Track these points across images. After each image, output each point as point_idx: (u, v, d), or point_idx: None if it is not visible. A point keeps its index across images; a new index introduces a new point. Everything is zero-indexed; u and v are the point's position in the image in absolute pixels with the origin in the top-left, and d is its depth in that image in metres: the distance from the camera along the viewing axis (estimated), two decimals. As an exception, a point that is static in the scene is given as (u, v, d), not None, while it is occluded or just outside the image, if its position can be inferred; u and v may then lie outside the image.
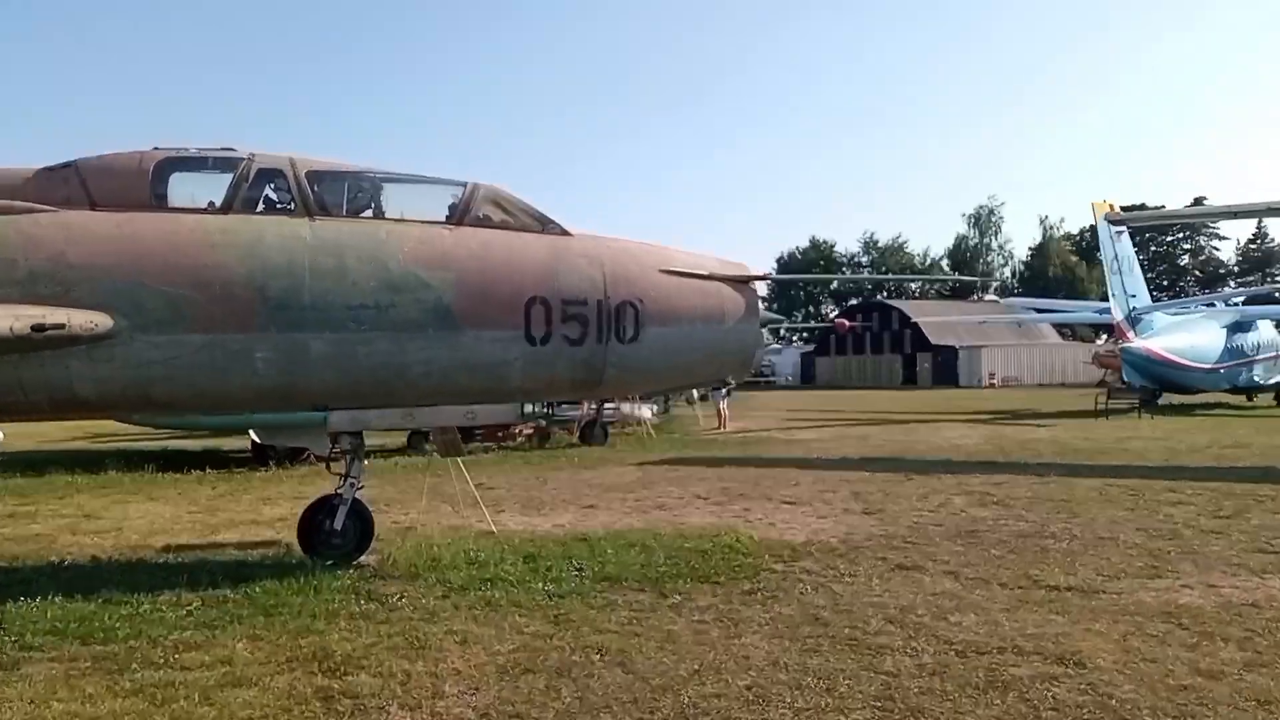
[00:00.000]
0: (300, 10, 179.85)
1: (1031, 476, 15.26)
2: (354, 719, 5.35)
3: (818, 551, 9.64)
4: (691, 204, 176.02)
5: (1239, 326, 37.92)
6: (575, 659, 6.32)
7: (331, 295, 8.42)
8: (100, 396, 8.39)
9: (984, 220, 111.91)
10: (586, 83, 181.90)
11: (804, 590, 8.05)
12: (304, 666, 6.26)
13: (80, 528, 12.04)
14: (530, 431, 24.69)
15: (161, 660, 6.42)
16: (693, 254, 9.78)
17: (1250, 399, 39.41)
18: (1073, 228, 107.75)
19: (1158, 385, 35.76)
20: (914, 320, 78.38)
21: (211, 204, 8.75)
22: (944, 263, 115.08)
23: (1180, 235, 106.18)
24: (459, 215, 9.07)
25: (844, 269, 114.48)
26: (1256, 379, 38.80)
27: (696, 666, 6.10)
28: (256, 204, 8.90)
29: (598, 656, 6.35)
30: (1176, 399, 37.93)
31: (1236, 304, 45.06)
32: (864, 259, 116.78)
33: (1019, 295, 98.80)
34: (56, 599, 7.88)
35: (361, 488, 9.58)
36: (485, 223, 9.14)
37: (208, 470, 18.60)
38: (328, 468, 9.82)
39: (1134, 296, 35.41)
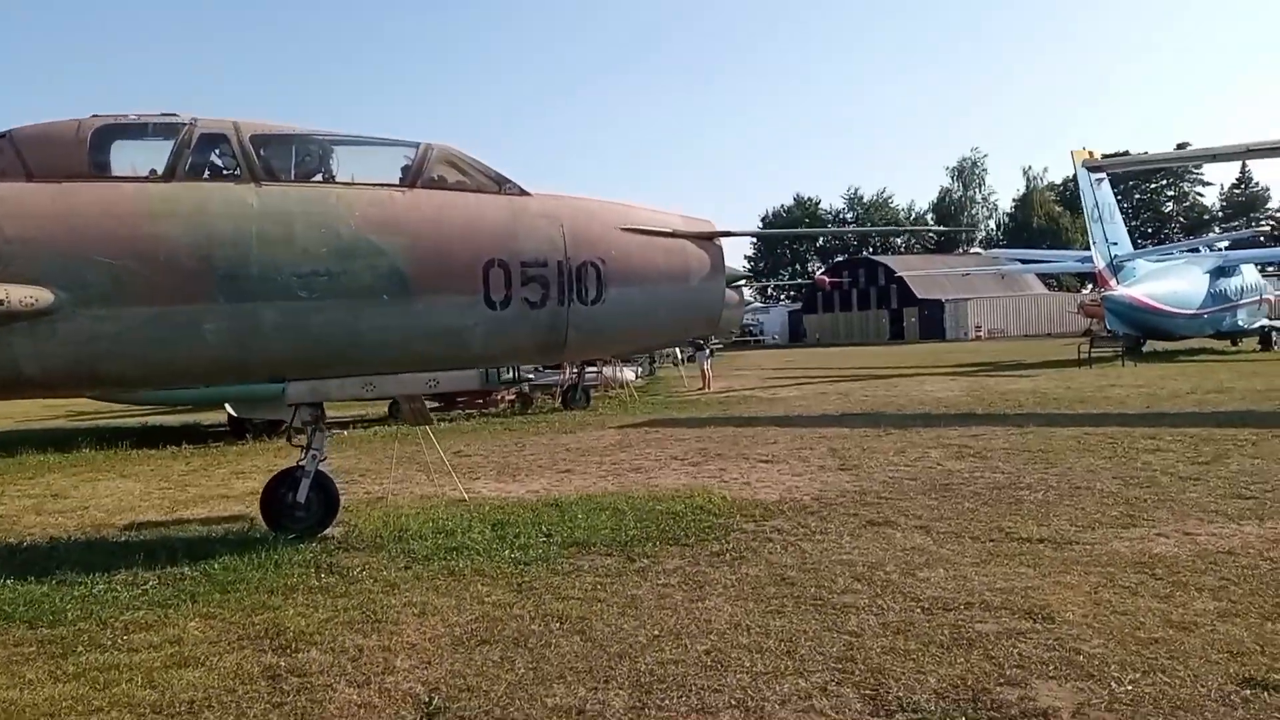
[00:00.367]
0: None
1: (1010, 428, 15.14)
2: (299, 697, 5.18)
3: (790, 510, 9.50)
4: (672, 164, 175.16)
5: (1222, 271, 37.79)
6: (534, 628, 6.17)
7: (281, 263, 8.15)
8: (46, 374, 8.12)
9: (967, 172, 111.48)
10: (559, 34, 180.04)
11: (773, 550, 7.91)
12: (255, 644, 6.09)
13: (45, 507, 11.82)
14: (512, 397, 24.47)
15: (109, 642, 6.24)
16: (656, 211, 9.52)
17: (1234, 344, 39.44)
18: (1056, 178, 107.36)
19: (1141, 333, 35.70)
20: (899, 275, 78.16)
21: (154, 172, 8.43)
22: (929, 216, 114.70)
23: (1164, 182, 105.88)
24: (412, 177, 8.76)
25: (829, 225, 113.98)
26: (1240, 324, 38.78)
27: (657, 632, 5.95)
28: (200, 171, 8.57)
29: (557, 625, 6.20)
30: (1161, 346, 37.93)
31: (1220, 249, 44.85)
32: (849, 215, 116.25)
33: (1003, 247, 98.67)
34: (8, 581, 7.69)
35: (325, 459, 9.37)
36: (440, 184, 8.85)
37: (183, 445, 18.36)
38: (289, 440, 9.61)
39: (1115, 244, 35.21)
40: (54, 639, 6.36)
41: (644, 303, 9.10)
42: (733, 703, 4.84)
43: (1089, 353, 31.84)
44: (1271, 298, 42.46)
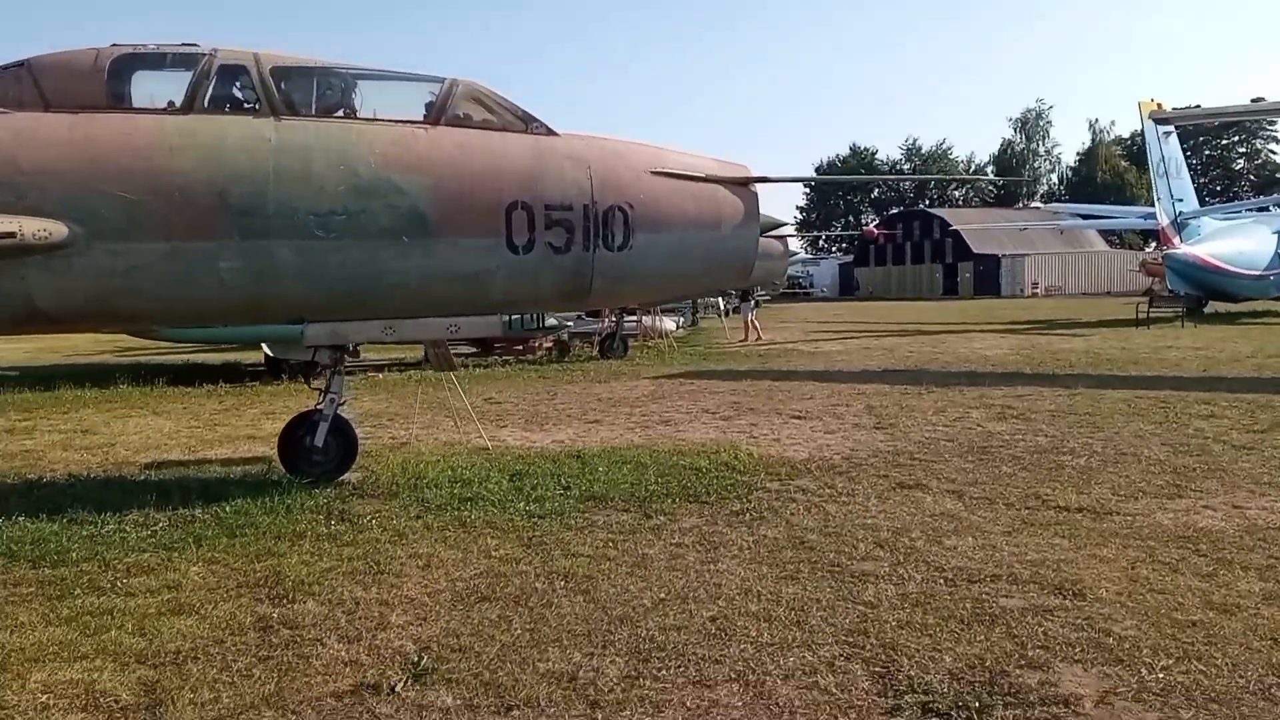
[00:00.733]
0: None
1: (1058, 389, 14.58)
2: (287, 651, 4.99)
3: (817, 469, 9.16)
4: (729, 112, 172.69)
5: (1292, 231, 36.27)
6: (538, 585, 5.94)
7: (298, 201, 7.91)
8: (61, 309, 8.00)
9: (1031, 124, 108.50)
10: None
11: (795, 511, 7.59)
12: (252, 593, 5.94)
13: (73, 443, 11.85)
14: (550, 345, 24.29)
15: (108, 585, 6.12)
16: (688, 154, 9.13)
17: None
18: (1124, 131, 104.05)
19: (1203, 293, 34.49)
20: (955, 228, 76.53)
21: (171, 104, 8.21)
22: (989, 169, 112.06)
23: (1235, 139, 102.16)
24: (435, 114, 8.46)
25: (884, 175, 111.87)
26: (1310, 287, 37.27)
27: (663, 595, 5.69)
28: (219, 103, 8.32)
29: (562, 583, 5.96)
30: (1223, 307, 36.65)
31: (1292, 208, 43.05)
32: (906, 165, 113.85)
33: (1066, 202, 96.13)
34: (20, 519, 7.62)
35: (344, 403, 9.19)
36: (464, 122, 8.55)
37: (220, 384, 18.44)
38: (308, 383, 9.45)
39: (1180, 201, 33.89)
40: (54, 580, 6.26)
41: (673, 250, 8.75)
42: (732, 675, 4.56)
43: (1148, 312, 30.81)
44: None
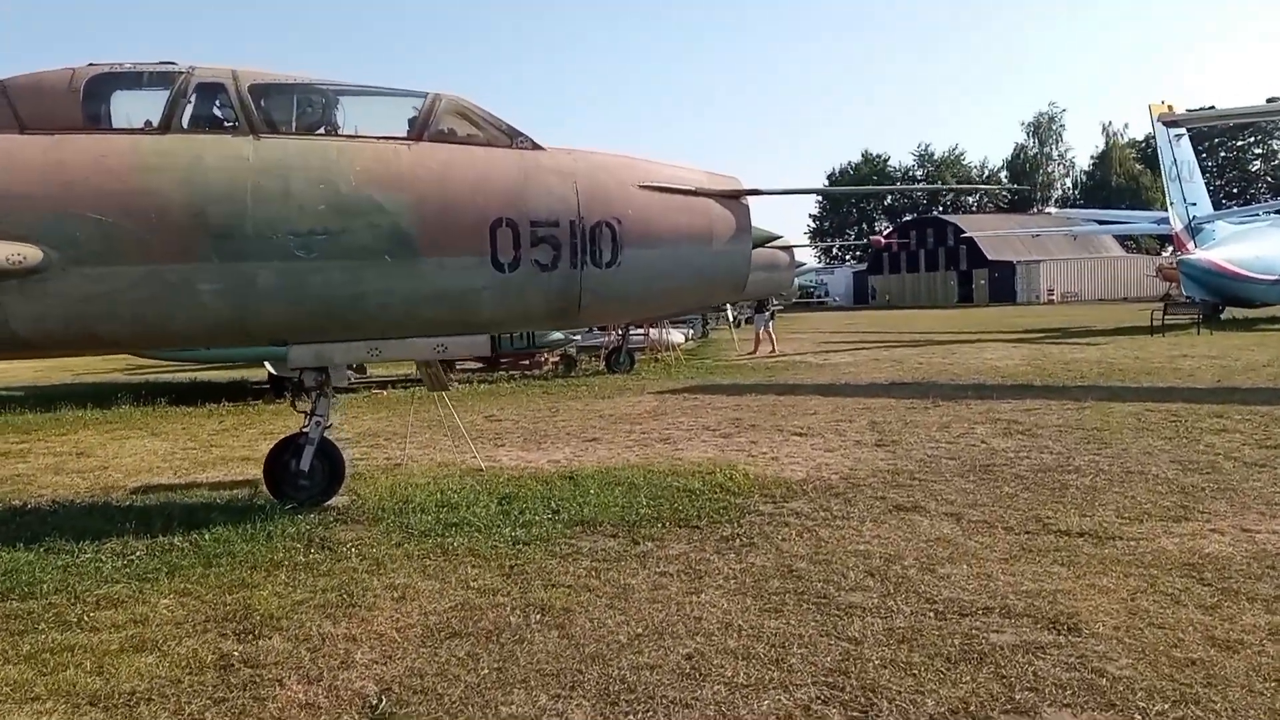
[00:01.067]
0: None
1: (1067, 401, 14.27)
2: (244, 693, 4.80)
3: (814, 490, 8.92)
4: (736, 121, 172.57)
5: (1312, 235, 35.69)
6: (512, 619, 5.73)
7: (277, 221, 7.76)
8: (42, 335, 7.86)
9: (1044, 128, 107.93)
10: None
11: (786, 536, 7.36)
12: (219, 628, 5.76)
13: (66, 466, 11.75)
14: (557, 359, 24.12)
15: (75, 620, 5.95)
16: (679, 167, 8.95)
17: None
18: (1138, 134, 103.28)
19: (1220, 299, 33.97)
20: (969, 235, 76.09)
21: (149, 123, 8.09)
22: (1002, 174, 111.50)
23: (1251, 140, 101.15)
24: (418, 130, 8.31)
25: (897, 183, 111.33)
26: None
27: (640, 630, 5.47)
28: (197, 123, 8.20)
29: (538, 616, 5.75)
30: (1241, 314, 36.12)
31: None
32: (918, 172, 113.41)
33: (1080, 206, 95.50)
34: (-4, 547, 7.51)
35: (330, 425, 9.03)
36: (448, 138, 8.38)
37: (222, 403, 18.35)
38: (293, 406, 9.29)
39: (1194, 205, 33.41)
40: (20, 614, 6.09)
41: (663, 265, 8.56)
42: (703, 721, 4.35)
43: (1162, 320, 30.38)
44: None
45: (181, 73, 8.13)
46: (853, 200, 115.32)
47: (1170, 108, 32.31)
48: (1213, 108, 45.82)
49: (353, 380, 20.63)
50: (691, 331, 32.67)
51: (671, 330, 27.62)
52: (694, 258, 8.67)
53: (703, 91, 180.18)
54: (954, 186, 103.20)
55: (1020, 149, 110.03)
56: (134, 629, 5.78)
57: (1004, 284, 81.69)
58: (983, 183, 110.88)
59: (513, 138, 8.45)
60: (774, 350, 28.56)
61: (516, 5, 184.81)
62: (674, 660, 5.02)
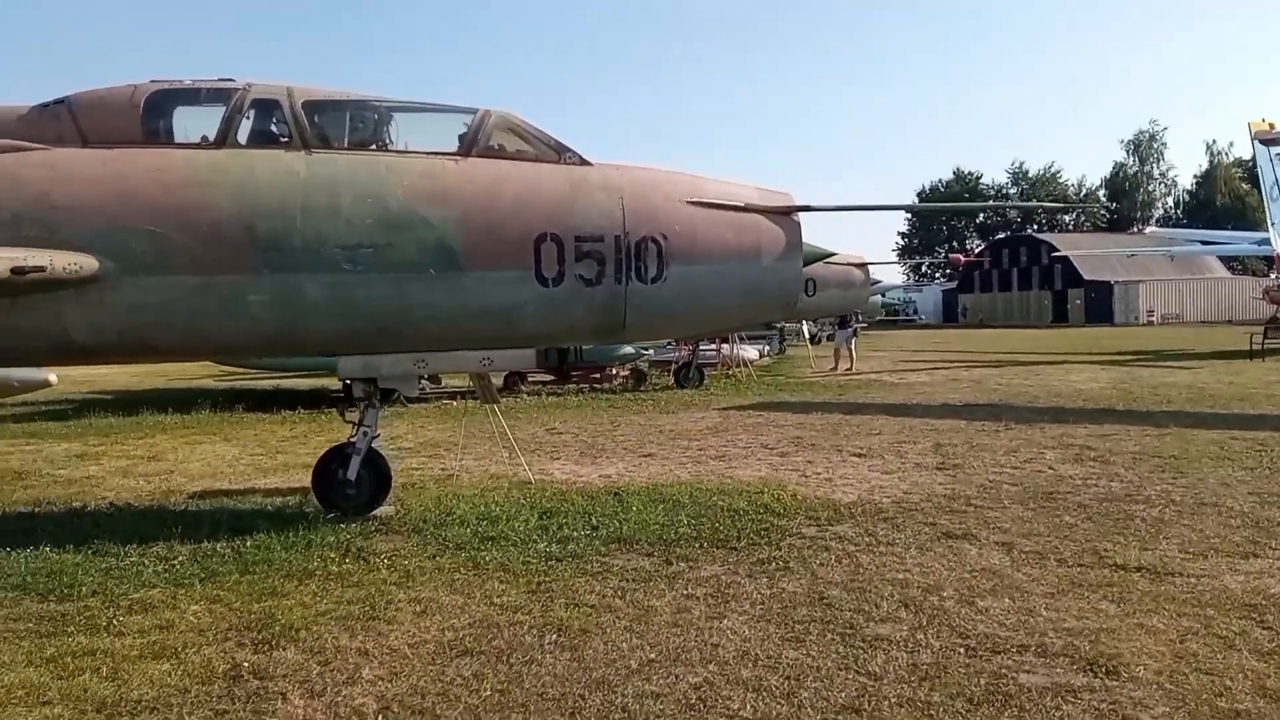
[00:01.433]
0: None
1: (1147, 427, 13.62)
2: (245, 706, 4.78)
3: (862, 514, 8.63)
4: (829, 139, 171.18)
5: None
6: (527, 639, 5.62)
7: (325, 234, 7.85)
8: (98, 343, 8.09)
9: (1144, 147, 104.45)
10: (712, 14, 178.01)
11: (824, 561, 7.11)
12: (239, 637, 5.77)
13: (135, 470, 12.08)
14: (627, 373, 24.07)
15: (104, 624, 6.03)
16: (728, 183, 8.80)
17: None
18: (1244, 153, 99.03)
19: (1325, 323, 32.20)
20: (1064, 253, 73.91)
21: (205, 138, 8.28)
22: (1101, 193, 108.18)
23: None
24: (467, 146, 8.34)
25: (990, 201, 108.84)
26: None
27: (654, 656, 5.30)
28: (252, 138, 8.36)
29: (554, 637, 5.63)
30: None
31: None
32: (1012, 190, 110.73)
33: (1183, 226, 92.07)
34: (47, 548, 7.69)
35: (377, 435, 9.09)
36: (496, 153, 8.40)
37: (298, 410, 18.72)
38: (342, 416, 9.37)
39: (1299, 226, 31.69)
40: (54, 615, 6.22)
41: (710, 282, 8.42)
42: (699, 755, 4.17)
43: (1262, 344, 28.93)
44: None
45: (238, 89, 8.31)
46: (943, 218, 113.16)
47: (1271, 125, 30.78)
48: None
49: (426, 390, 20.93)
50: (768, 348, 32.33)
51: (746, 346, 27.33)
52: (742, 274, 8.51)
53: (793, 105, 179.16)
54: (1020, 204, 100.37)
55: (1119, 167, 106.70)
56: (158, 635, 5.83)
57: (1101, 304, 79.12)
58: (1080, 201, 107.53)
59: (560, 153, 8.42)
60: (851, 368, 28.07)
61: (606, 28, 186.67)
62: (681, 689, 4.84)
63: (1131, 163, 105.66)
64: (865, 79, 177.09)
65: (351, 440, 9.00)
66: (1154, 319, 75.19)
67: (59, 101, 8.29)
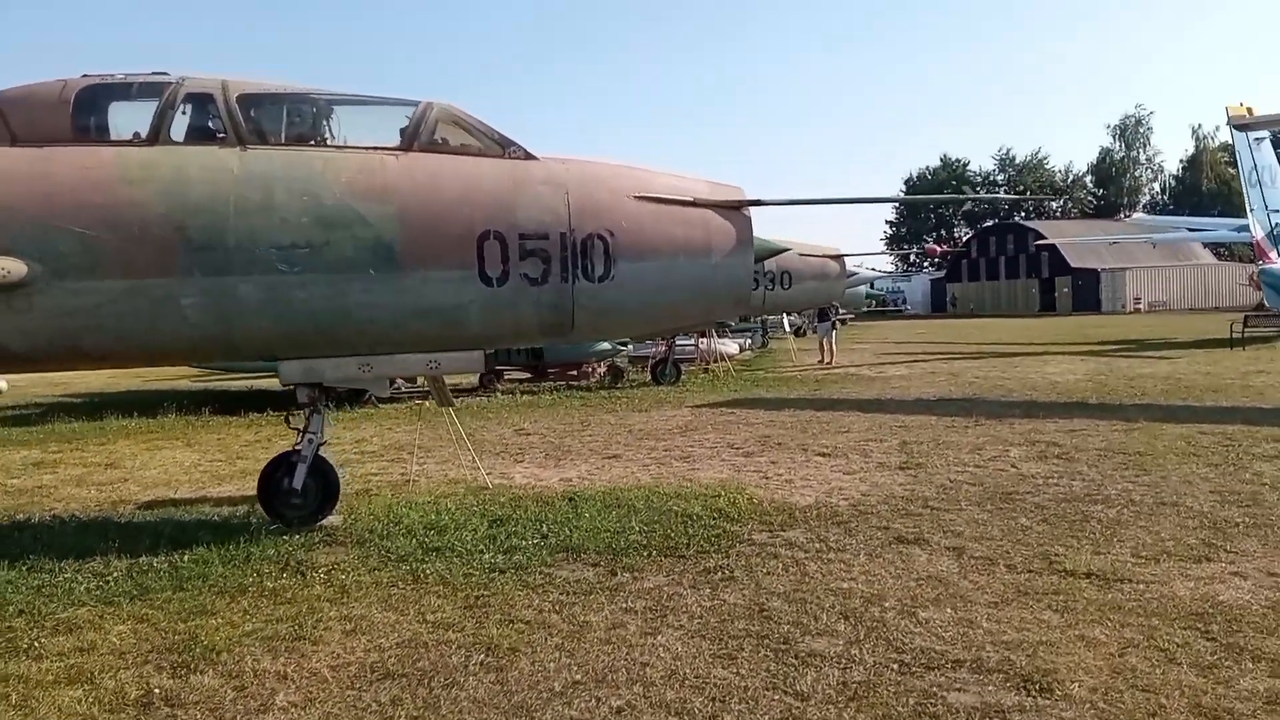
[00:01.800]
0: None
1: (1117, 421, 13.50)
2: (153, 736, 4.63)
3: (816, 518, 8.48)
4: (809, 127, 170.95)
5: None
6: (454, 659, 5.46)
7: (259, 234, 7.64)
8: (30, 349, 7.86)
9: (1130, 131, 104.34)
10: None
11: (770, 570, 6.96)
12: (158, 660, 5.60)
13: (89, 479, 11.87)
14: (604, 370, 23.90)
15: (25, 646, 5.86)
16: (678, 176, 8.65)
17: None
18: (1229, 137, 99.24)
19: (1303, 309, 32.19)
20: (1051, 241, 73.74)
21: (137, 135, 8.05)
22: (1087, 178, 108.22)
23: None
24: (408, 140, 8.15)
25: (978, 189, 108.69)
26: None
27: (579, 677, 5.14)
28: (186, 133, 8.14)
29: (481, 657, 5.47)
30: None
31: None
32: (999, 177, 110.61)
33: (1170, 212, 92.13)
34: (-19, 565, 7.51)
35: (324, 442, 8.90)
36: (439, 147, 8.21)
37: (266, 413, 18.50)
38: (287, 422, 9.18)
39: (1277, 211, 31.66)
40: (-24, 638, 6.05)
41: (659, 280, 8.26)
42: (608, 787, 4.01)
43: (1241, 333, 28.87)
44: None
45: (171, 83, 8.09)
46: (931, 207, 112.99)
47: (1250, 110, 30.70)
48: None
49: (402, 389, 20.73)
50: (749, 342, 32.16)
51: (725, 341, 27.18)
52: (692, 271, 8.35)
53: (777, 95, 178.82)
54: (978, 195, 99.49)
55: (1106, 153, 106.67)
56: (77, 658, 5.67)
57: (1088, 292, 79.10)
58: (1066, 188, 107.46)
59: (505, 147, 8.25)
60: (829, 360, 27.93)
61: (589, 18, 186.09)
62: (602, 713, 4.69)
63: (1118, 148, 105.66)
64: (852, 67, 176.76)
65: (297, 448, 8.79)
66: (1140, 306, 75.22)
67: None
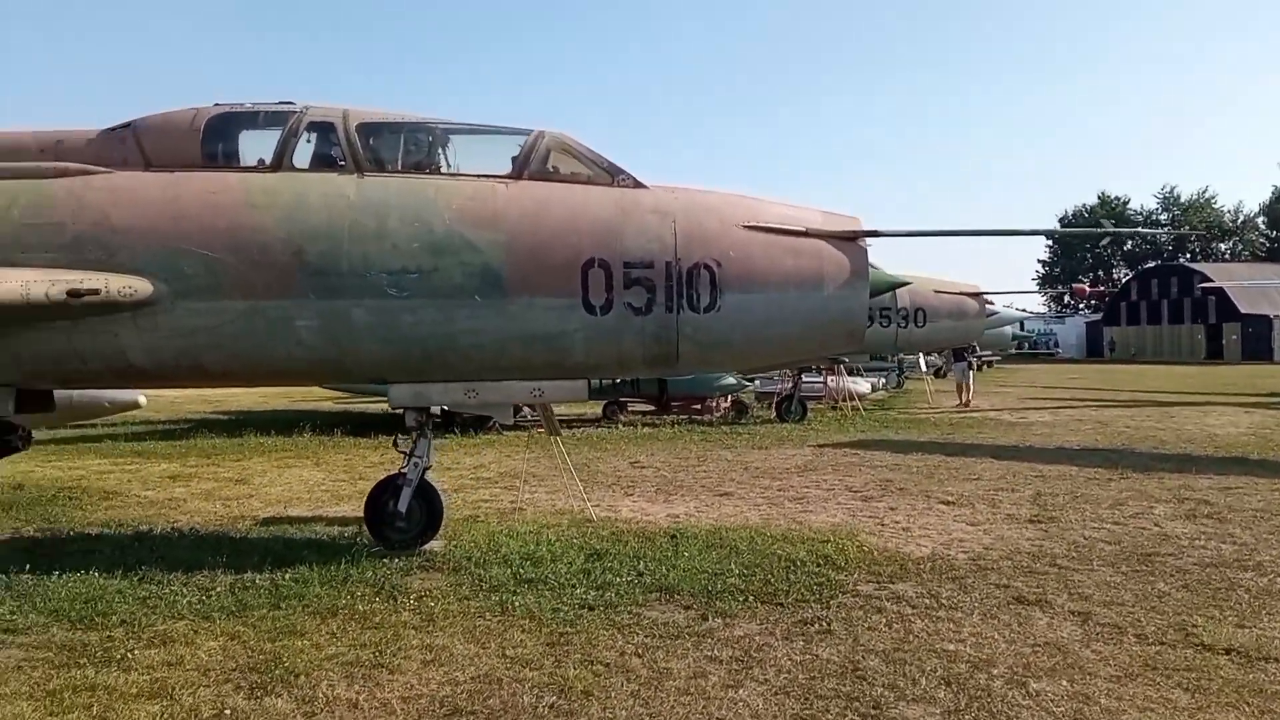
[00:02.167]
0: None
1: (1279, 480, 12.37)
2: (213, 758, 4.60)
3: (930, 571, 7.96)
4: (966, 160, 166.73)
5: None
6: (525, 699, 5.27)
7: (371, 259, 7.79)
8: (155, 365, 8.20)
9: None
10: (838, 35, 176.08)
11: (873, 625, 6.53)
12: (239, 679, 5.61)
13: (218, 493, 12.30)
14: (728, 405, 23.57)
15: (119, 657, 5.98)
16: (789, 206, 8.39)
17: None
18: None
19: None
20: (1218, 285, 69.53)
21: (261, 161, 8.35)
22: (1259, 219, 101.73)
23: None
24: (519, 168, 8.19)
25: (1138, 228, 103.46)
26: None
27: (648, 729, 4.88)
28: (308, 160, 8.41)
29: (551, 699, 5.27)
30: None
31: None
32: (1162, 216, 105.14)
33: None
34: (94, 574, 7.77)
35: (429, 466, 8.94)
36: (549, 176, 8.22)
37: (396, 435, 18.86)
38: (395, 445, 9.24)
39: None
40: (76, 645, 6.20)
41: (767, 311, 7.97)
42: None
43: None
44: None
45: (295, 112, 8.39)
46: (1087, 245, 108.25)
47: None
48: None
49: (526, 416, 20.90)
50: (884, 381, 31.25)
51: (857, 379, 26.45)
52: (803, 303, 8.03)
53: (926, 129, 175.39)
54: (1117, 230, 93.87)
55: (1279, 192, 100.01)
56: (164, 672, 5.74)
57: (1259, 340, 74.02)
58: (1234, 230, 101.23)
59: (614, 175, 8.18)
60: (964, 403, 26.83)
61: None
62: (665, 770, 4.41)
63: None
64: (1007, 96, 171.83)
65: (403, 471, 8.85)
66: (1318, 356, 69.96)
67: (125, 125, 8.51)
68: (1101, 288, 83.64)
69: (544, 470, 13.52)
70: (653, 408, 23.17)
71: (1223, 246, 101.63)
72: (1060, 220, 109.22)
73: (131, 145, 8.32)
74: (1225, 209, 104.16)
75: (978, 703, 5.17)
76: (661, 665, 5.79)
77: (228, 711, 5.12)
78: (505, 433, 19.06)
